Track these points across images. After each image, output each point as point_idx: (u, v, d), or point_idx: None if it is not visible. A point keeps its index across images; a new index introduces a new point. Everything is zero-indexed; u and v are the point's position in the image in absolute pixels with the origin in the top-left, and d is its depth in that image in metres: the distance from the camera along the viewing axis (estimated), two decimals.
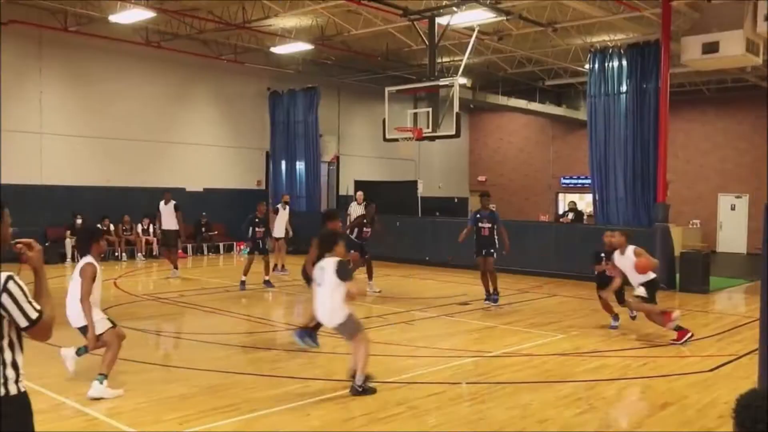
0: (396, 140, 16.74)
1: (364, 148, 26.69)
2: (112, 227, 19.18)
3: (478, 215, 12.61)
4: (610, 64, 16.30)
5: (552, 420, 6.15)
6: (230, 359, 8.38)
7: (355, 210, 17.86)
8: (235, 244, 21.96)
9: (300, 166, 23.32)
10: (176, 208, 15.24)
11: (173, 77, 21.43)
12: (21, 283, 3.07)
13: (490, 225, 12.42)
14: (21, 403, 3.11)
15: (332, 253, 6.79)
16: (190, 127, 21.95)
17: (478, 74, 24.60)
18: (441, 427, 5.96)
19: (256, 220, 14.27)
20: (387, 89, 16.89)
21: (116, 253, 19.09)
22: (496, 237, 12.40)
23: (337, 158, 25.85)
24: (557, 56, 21.98)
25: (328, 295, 6.68)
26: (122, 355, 8.32)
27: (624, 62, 16.04)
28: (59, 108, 19.01)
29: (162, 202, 15.46)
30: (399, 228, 18.97)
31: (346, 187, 25.31)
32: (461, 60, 18.01)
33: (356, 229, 13.54)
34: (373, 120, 23.07)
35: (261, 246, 14.33)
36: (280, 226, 16.61)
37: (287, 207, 16.91)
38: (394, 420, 6.06)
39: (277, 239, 16.49)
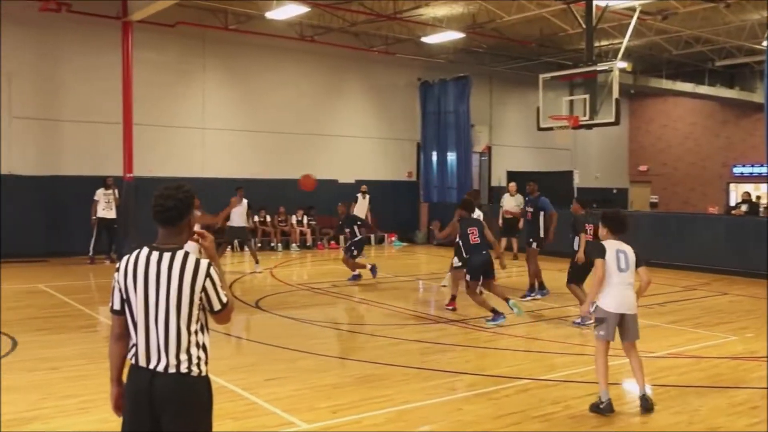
0: (551, 129, 16.37)
1: (516, 137, 26.26)
2: (268, 218, 20.11)
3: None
4: None
5: (723, 428, 5.77)
6: (381, 350, 8.52)
7: (508, 202, 17.62)
8: (386, 235, 22.32)
9: (451, 156, 23.32)
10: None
11: (326, 70, 22.07)
12: (216, 271, 3.33)
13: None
14: (209, 385, 3.36)
15: (622, 235, 6.28)
16: (341, 120, 22.53)
17: (639, 57, 23.48)
18: (600, 429, 5.75)
19: (340, 222, 14.34)
20: (541, 76, 16.53)
21: (272, 244, 19.97)
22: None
23: (489, 148, 25.61)
24: (729, 34, 20.53)
25: (631, 282, 6.19)
26: (278, 342, 8.71)
27: None
28: (220, 104, 20.15)
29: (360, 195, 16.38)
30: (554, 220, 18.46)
31: (498, 178, 25.03)
32: (621, 43, 17.28)
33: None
34: (527, 109, 22.66)
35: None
36: (360, 214, 16.74)
37: (367, 196, 17.03)
38: (550, 419, 5.93)
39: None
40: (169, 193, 3.31)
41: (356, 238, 13.60)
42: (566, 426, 5.79)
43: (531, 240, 12.21)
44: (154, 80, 18.69)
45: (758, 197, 23.60)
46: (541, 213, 12.35)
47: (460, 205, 10.51)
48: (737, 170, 28.27)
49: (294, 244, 20.17)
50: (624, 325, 6.22)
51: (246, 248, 16.95)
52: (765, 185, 23.94)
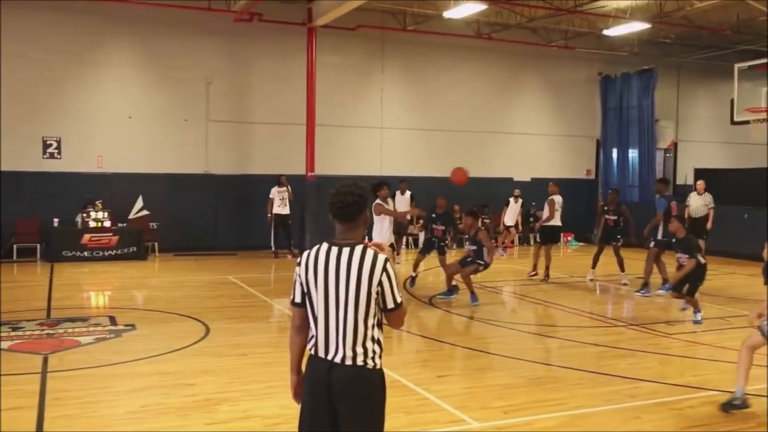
0: (747, 122, 15.27)
1: (706, 132, 24.62)
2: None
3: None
4: None
5: None
6: (555, 352, 8.35)
7: (695, 201, 16.59)
8: (562, 234, 21.74)
9: (633, 153, 22.35)
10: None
11: (502, 68, 21.88)
12: (394, 269, 3.43)
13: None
14: (383, 378, 3.47)
15: None
16: (518, 117, 22.25)
17: None
18: None
19: (434, 215, 12.96)
20: (736, 66, 15.48)
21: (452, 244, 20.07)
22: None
23: (675, 144, 24.24)
24: None
25: None
26: (450, 340, 8.78)
27: None
28: (397, 103, 20.59)
29: (398, 192, 15.97)
30: (747, 221, 17.20)
31: (685, 176, 23.61)
32: None
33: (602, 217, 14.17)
34: (718, 101, 21.24)
35: (438, 245, 12.74)
36: (509, 220, 15.94)
37: (519, 200, 16.27)
38: None
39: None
40: (347, 190, 3.44)
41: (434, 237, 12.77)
42: None
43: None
44: (335, 82, 19.44)
45: None
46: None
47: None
48: None
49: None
50: None
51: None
52: None
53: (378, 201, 11.62)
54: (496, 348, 8.45)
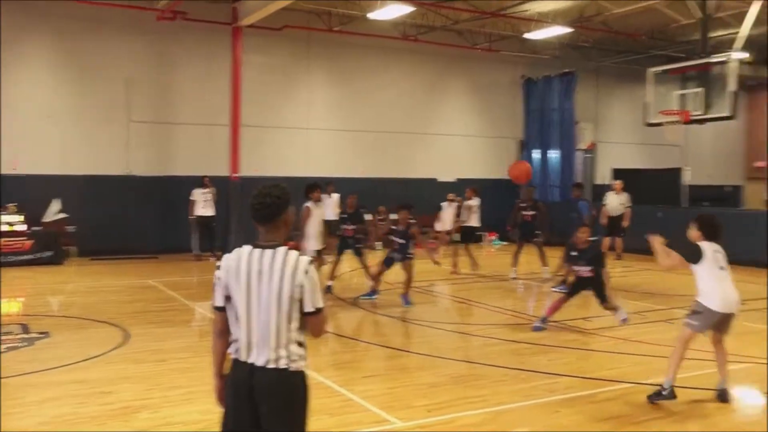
0: (660, 125, 15.81)
1: (623, 134, 25.45)
2: (368, 217, 20.25)
3: None
4: None
5: None
6: (478, 350, 8.46)
7: (612, 200, 17.10)
8: (485, 234, 22.10)
9: (554, 154, 22.87)
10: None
11: (428, 69, 22.08)
12: (316, 273, 3.39)
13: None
14: (306, 380, 3.45)
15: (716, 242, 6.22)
16: (443, 118, 22.49)
17: (759, 47, 22.23)
18: None
19: (344, 216, 12.59)
20: (650, 70, 16.01)
21: (370, 243, 20.08)
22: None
23: (594, 145, 24.94)
24: None
25: (731, 279, 6.21)
26: (375, 340, 8.80)
27: None
28: (324, 104, 20.53)
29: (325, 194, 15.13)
30: (661, 219, 17.82)
31: (603, 176, 24.33)
32: (738, 32, 16.44)
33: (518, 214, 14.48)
34: (634, 104, 21.91)
35: (352, 245, 12.46)
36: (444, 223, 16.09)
37: (453, 204, 16.45)
38: (652, 425, 5.72)
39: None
40: (266, 192, 3.43)
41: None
42: None
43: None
44: (261, 83, 19.24)
45: None
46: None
47: None
48: None
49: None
50: (723, 322, 6.20)
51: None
52: None
53: (307, 204, 11.52)
54: (420, 347, 8.51)
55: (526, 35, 20.47)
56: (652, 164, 24.96)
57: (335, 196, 16.15)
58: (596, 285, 9.04)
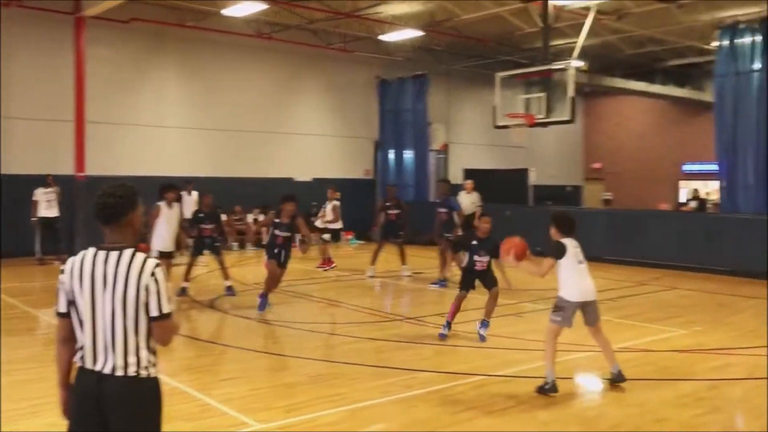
0: (507, 127, 16.54)
1: (473, 135, 26.44)
2: (224, 217, 19.83)
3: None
4: (741, 40, 15.41)
5: (671, 420, 5.89)
6: (336, 349, 8.52)
7: (464, 199, 17.72)
8: (342, 233, 22.27)
9: (408, 155, 23.37)
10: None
11: (283, 68, 21.93)
12: (164, 276, 3.27)
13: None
14: (158, 386, 3.33)
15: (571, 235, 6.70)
16: (299, 118, 22.42)
17: (594, 56, 23.83)
18: (552, 425, 5.82)
19: (201, 215, 12.19)
20: (498, 75, 16.69)
21: (227, 243, 19.75)
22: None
23: (446, 146, 25.72)
24: (681, 34, 20.95)
25: (587, 272, 6.72)
26: (232, 343, 8.64)
27: (757, 37, 15.11)
28: (176, 101, 19.88)
29: (185, 193, 15.17)
30: (509, 218, 18.68)
31: (455, 176, 25.16)
32: (576, 42, 17.51)
33: (383, 213, 14.65)
34: (484, 107, 22.81)
35: (210, 245, 12.22)
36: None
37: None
38: (504, 415, 5.98)
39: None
40: (109, 191, 3.30)
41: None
42: (519, 421, 5.85)
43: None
44: (108, 77, 18.35)
45: (707, 193, 24.13)
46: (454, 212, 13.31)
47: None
48: (687, 168, 28.87)
49: (250, 244, 20.00)
50: (587, 311, 6.69)
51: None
52: (714, 182, 24.48)
53: (159, 203, 11.13)
54: (279, 348, 8.45)
55: (381, 37, 20.84)
56: (500, 165, 26.13)
57: (195, 195, 15.74)
58: (488, 275, 8.98)
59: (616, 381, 6.71)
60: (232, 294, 11.83)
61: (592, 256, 15.39)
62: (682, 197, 27.25)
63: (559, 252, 6.56)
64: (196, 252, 12.29)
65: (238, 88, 20.93)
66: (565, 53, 21.71)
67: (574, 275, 6.57)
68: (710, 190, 25.27)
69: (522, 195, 22.17)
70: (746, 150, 15.28)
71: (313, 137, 22.63)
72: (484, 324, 8.79)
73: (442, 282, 13.17)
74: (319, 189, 22.13)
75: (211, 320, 10.32)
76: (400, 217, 14.41)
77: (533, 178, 22.27)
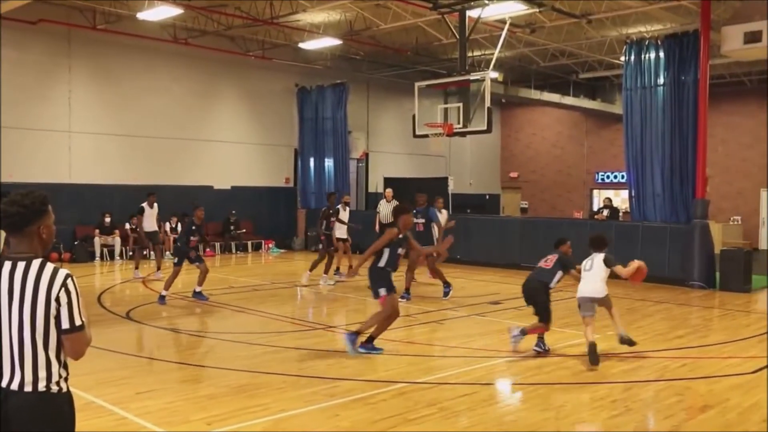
0: (426, 136, 16.71)
1: (393, 144, 26.69)
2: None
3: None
4: (647, 55, 16.08)
5: (587, 422, 6.10)
6: (258, 359, 8.43)
7: (384, 207, 17.85)
8: (263, 242, 22.10)
9: (328, 163, 23.37)
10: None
11: (200, 74, 21.62)
12: (76, 287, 3.15)
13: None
14: (70, 401, 3.21)
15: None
16: (217, 125, 22.13)
17: (509, 68, 24.47)
18: (473, 429, 5.93)
19: (193, 227, 12.47)
20: (417, 84, 16.86)
21: (144, 252, 19.27)
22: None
23: (366, 155, 25.88)
24: (591, 48, 21.76)
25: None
26: (150, 354, 8.45)
27: (661, 53, 15.81)
28: (88, 106, 19.28)
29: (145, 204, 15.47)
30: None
31: (376, 184, 25.34)
32: (493, 54, 17.92)
33: (324, 221, 14.74)
34: (403, 116, 23.06)
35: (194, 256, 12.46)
36: (342, 227, 15.70)
37: (348, 207, 16.28)
38: (425, 421, 6.06)
39: (339, 239, 15.65)
40: (14, 199, 3.17)
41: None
42: (440, 427, 5.94)
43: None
44: (14, 80, 17.65)
45: (608, 200, 24.99)
46: (432, 224, 13.00)
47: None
48: (599, 177, 29.93)
49: (168, 252, 19.56)
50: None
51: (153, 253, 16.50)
52: (624, 191, 25.46)
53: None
54: (199, 359, 8.31)
55: (300, 45, 20.79)
56: (420, 173, 26.43)
57: (156, 208, 15.39)
58: None
59: (626, 341, 8.30)
60: (204, 299, 12.23)
61: (510, 263, 15.76)
62: (596, 205, 28.21)
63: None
64: (192, 261, 12.28)
65: (154, 93, 20.50)
66: (482, 64, 22.20)
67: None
68: (623, 198, 26.26)
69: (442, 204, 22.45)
70: (653, 161, 15.92)
71: (232, 145, 22.37)
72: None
73: (407, 295, 12.54)
74: (238, 197, 21.96)
75: (128, 331, 10.05)
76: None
77: (452, 187, 22.60)
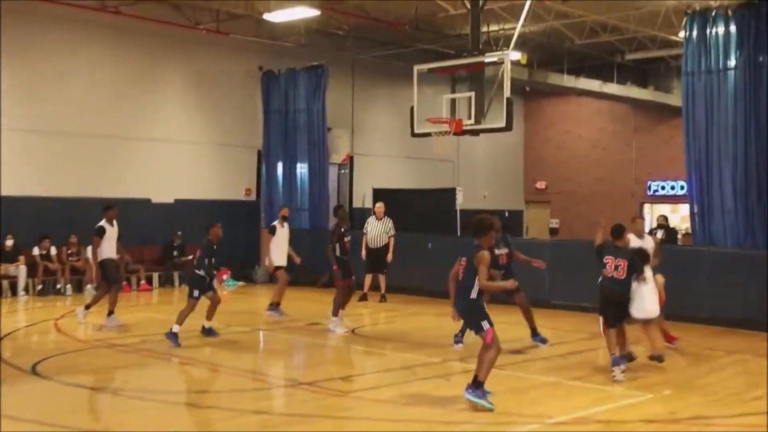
0: (428, 135, 16.70)
1: (385, 145, 26.66)
2: (54, 251, 19.24)
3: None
4: (714, 30, 16.11)
5: None
6: (210, 426, 8.33)
7: (374, 227, 17.79)
8: (215, 272, 21.92)
9: (302, 169, 23.29)
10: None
11: (136, 53, 21.56)
12: None
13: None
14: None
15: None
16: (157, 120, 22.05)
17: (536, 47, 24.51)
18: None
19: (212, 248, 13.45)
20: (416, 68, 16.87)
21: (58, 285, 19.14)
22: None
23: (351, 159, 25.81)
24: (642, 22, 21.82)
25: None
26: (62, 420, 8.31)
27: (732, 27, 15.85)
28: None
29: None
30: (432, 251, 18.83)
31: (362, 197, 25.25)
32: (514, 29, 17.95)
33: (338, 243, 14.25)
34: (399, 108, 23.03)
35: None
36: (279, 250, 16.18)
37: (286, 224, 16.56)
38: None
39: (277, 268, 16.14)
40: None
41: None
42: None
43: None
44: None
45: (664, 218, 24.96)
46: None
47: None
48: (652, 187, 29.90)
49: (89, 285, 19.38)
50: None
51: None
52: (684, 206, 25.45)
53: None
54: (128, 425, 8.18)
55: (265, 16, 20.74)
56: (420, 183, 26.42)
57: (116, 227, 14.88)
58: None
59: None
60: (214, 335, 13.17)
61: (537, 299, 15.68)
62: (648, 225, 28.19)
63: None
64: (205, 290, 13.25)
65: (74, 79, 20.41)
66: (502, 42, 22.24)
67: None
68: (682, 216, 26.20)
69: (448, 222, 22.39)
70: (722, 166, 15.90)
71: (176, 145, 22.28)
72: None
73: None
74: (184, 214, 21.80)
75: (33, 391, 9.90)
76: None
77: (461, 201, 22.56)
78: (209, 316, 13.30)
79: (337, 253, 14.27)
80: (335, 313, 14.10)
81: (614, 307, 10.77)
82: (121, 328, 14.07)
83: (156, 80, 22.12)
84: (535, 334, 12.82)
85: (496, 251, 12.20)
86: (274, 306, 15.68)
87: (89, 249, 14.99)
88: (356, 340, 13.47)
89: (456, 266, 8.95)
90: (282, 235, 16.15)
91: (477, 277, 8.64)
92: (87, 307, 14.48)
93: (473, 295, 8.71)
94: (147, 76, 21.89)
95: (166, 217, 21.29)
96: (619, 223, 11.62)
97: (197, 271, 13.38)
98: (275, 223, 16.57)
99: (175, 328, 12.61)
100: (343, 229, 14.49)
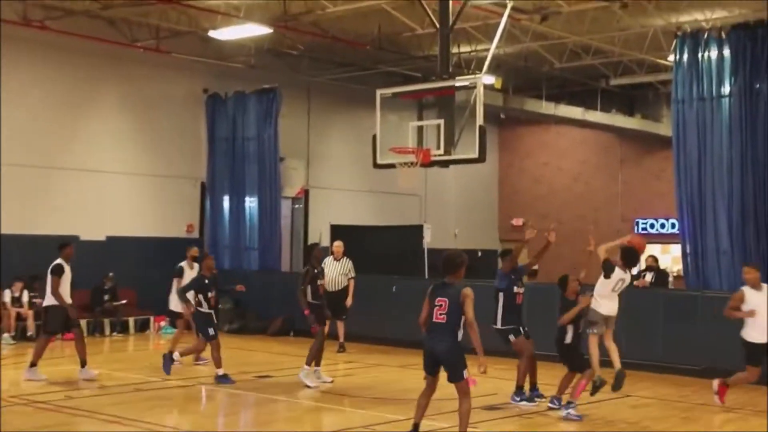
0: (392, 166, 16.68)
1: (345, 177, 26.66)
2: None
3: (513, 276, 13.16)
4: (707, 53, 16.30)
5: None
6: None
7: (332, 269, 17.71)
8: (152, 319, 21.73)
9: (251, 203, 23.23)
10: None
11: (66, 73, 21.46)
12: None
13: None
14: None
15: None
16: (88, 147, 21.90)
17: (512, 70, 24.71)
18: None
19: (206, 281, 14.30)
20: (379, 92, 16.88)
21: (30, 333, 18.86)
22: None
23: (306, 192, 25.78)
24: (628, 44, 22.09)
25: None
26: None
27: (726, 51, 16.05)
28: None
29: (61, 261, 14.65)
30: (396, 295, 18.77)
31: (319, 234, 25.17)
32: (488, 50, 18.06)
33: (310, 286, 14.10)
34: (359, 137, 23.02)
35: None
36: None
37: (196, 265, 16.25)
38: None
39: (177, 315, 16.27)
40: None
41: None
42: None
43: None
44: None
45: (653, 259, 25.10)
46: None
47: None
48: (640, 225, 30.09)
49: (7, 335, 19.11)
50: (609, 322, 11.85)
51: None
52: (675, 246, 25.60)
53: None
54: None
55: (210, 33, 20.73)
56: (383, 220, 26.41)
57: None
58: None
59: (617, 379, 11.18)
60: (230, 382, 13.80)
61: (512, 350, 15.59)
62: (636, 267, 28.33)
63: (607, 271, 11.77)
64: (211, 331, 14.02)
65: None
66: (473, 65, 22.40)
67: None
68: (674, 256, 26.34)
69: (414, 262, 22.34)
70: (716, 202, 16.01)
71: (109, 176, 22.13)
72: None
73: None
74: (117, 253, 21.61)
75: None
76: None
77: (429, 239, 22.55)
78: (217, 362, 13.99)
79: (309, 297, 14.10)
80: (308, 362, 13.92)
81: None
82: (42, 383, 13.84)
83: (88, 103, 21.99)
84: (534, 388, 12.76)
85: (515, 289, 13.18)
86: (167, 356, 14.92)
87: (48, 290, 14.49)
88: (311, 396, 13.32)
89: (425, 309, 8.96)
90: (189, 277, 15.80)
91: (463, 317, 8.79)
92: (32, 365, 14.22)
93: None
94: (78, 99, 21.77)
95: (96, 257, 20.99)
96: (565, 274, 12.89)
97: (200, 309, 14.14)
98: (183, 264, 16.43)
99: (220, 372, 13.81)
100: (316, 271, 14.37)
